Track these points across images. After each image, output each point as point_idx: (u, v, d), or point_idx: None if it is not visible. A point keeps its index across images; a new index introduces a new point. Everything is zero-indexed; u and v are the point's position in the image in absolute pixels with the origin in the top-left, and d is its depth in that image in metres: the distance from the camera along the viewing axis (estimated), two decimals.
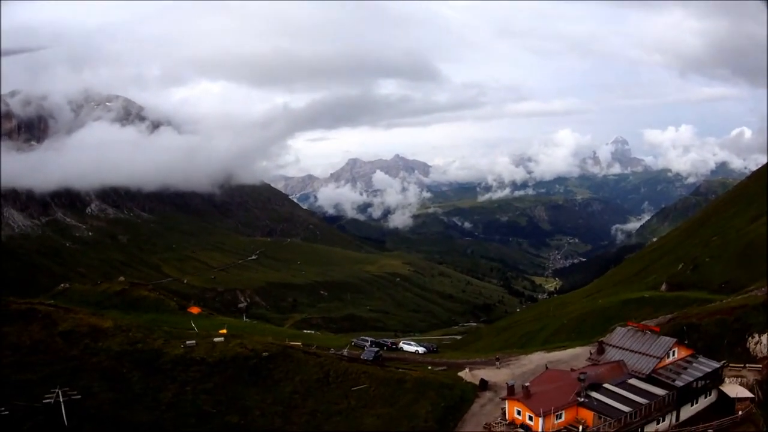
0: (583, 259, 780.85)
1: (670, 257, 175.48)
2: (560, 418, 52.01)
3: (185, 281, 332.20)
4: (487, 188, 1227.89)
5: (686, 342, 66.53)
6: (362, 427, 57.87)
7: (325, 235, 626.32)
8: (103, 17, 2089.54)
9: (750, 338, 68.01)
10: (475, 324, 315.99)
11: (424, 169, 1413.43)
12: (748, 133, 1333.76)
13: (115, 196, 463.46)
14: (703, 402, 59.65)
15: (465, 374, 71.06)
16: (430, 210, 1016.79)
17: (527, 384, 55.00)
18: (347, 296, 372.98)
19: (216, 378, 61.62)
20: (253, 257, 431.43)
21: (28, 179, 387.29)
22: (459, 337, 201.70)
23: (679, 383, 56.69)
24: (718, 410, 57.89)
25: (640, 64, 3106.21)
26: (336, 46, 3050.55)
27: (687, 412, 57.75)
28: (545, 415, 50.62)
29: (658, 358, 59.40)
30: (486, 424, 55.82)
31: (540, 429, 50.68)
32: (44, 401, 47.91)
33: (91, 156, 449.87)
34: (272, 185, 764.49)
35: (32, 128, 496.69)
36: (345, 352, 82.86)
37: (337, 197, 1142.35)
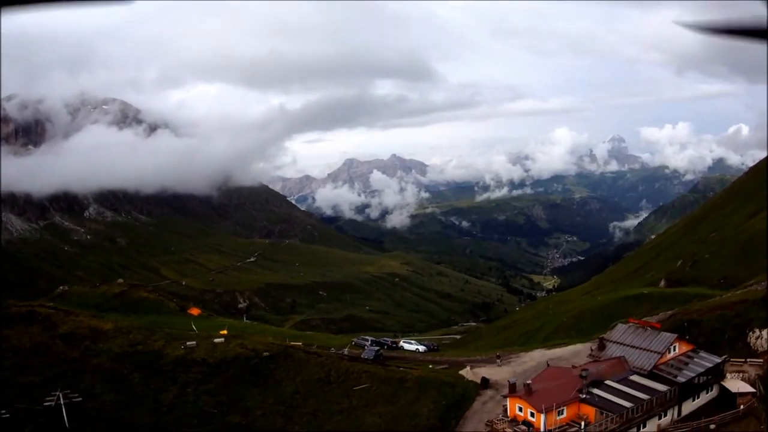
0: (582, 258, 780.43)
1: (669, 254, 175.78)
2: (562, 414, 52.00)
3: (184, 283, 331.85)
4: (485, 188, 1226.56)
5: (687, 337, 66.60)
6: (364, 426, 57.89)
7: (323, 236, 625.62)
8: (99, 20, 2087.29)
9: (751, 333, 67.97)
10: (474, 324, 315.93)
11: (422, 168, 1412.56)
12: (745, 130, 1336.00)
13: (113, 199, 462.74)
14: (704, 397, 59.71)
15: (466, 372, 71.03)
16: (428, 210, 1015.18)
17: (529, 381, 55.03)
18: (346, 297, 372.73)
19: (217, 378, 61.56)
20: (252, 259, 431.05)
21: (26, 183, 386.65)
22: (458, 337, 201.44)
23: (680, 379, 56.80)
24: (719, 405, 57.89)
25: (637, 62, 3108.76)
26: (332, 46, 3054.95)
27: (689, 407, 57.80)
28: (547, 412, 50.60)
29: (659, 353, 59.48)
30: (488, 421, 55.78)
31: (542, 426, 50.68)
32: (45, 404, 47.93)
33: (89, 159, 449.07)
34: (270, 187, 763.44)
35: (29, 132, 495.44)
36: (345, 351, 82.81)
37: (335, 198, 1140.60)
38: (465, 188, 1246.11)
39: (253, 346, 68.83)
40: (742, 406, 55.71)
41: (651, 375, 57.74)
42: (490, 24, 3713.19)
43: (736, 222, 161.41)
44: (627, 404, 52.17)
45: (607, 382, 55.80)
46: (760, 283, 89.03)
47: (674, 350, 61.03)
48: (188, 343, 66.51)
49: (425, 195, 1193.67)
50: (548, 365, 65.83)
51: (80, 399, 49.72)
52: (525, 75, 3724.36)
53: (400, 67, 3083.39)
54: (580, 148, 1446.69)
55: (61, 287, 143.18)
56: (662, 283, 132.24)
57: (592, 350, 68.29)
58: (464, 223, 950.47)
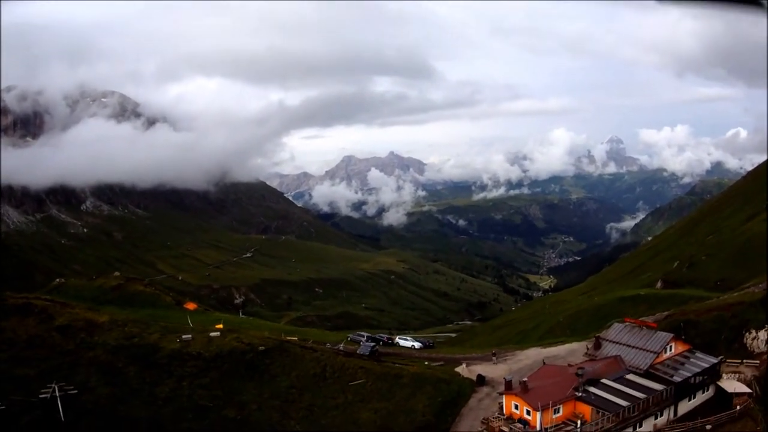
0: (578, 258, 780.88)
1: (665, 255, 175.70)
2: (558, 412, 52.07)
3: (180, 278, 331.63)
4: (482, 187, 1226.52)
5: (683, 338, 66.71)
6: (359, 421, 57.91)
7: (319, 233, 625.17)
8: (98, 13, 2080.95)
9: (747, 334, 68.08)
10: (469, 322, 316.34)
11: (420, 167, 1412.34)
12: (743, 134, 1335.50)
13: (111, 192, 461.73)
14: (700, 397, 59.86)
15: (462, 369, 71.02)
16: (425, 208, 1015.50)
17: (525, 379, 55.03)
18: (342, 294, 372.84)
19: (213, 372, 61.45)
20: (248, 255, 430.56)
21: (23, 175, 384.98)
22: (454, 335, 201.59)
23: (676, 378, 56.89)
24: (715, 405, 57.97)
25: (636, 63, 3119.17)
26: (331, 43, 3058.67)
27: (685, 407, 57.92)
28: (543, 410, 50.63)
29: (655, 353, 59.58)
30: (484, 418, 55.79)
31: (538, 423, 50.70)
32: (41, 396, 47.72)
33: (87, 152, 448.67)
34: (267, 183, 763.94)
35: (28, 124, 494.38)
36: (341, 347, 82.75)
37: (332, 195, 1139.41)
38: (462, 187, 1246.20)
39: (249, 340, 68.72)
40: (738, 407, 55.74)
41: (647, 374, 57.83)
42: (490, 23, 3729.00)
43: (734, 225, 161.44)
44: (623, 403, 52.24)
45: (603, 380, 55.87)
46: (757, 286, 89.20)
47: (670, 350, 61.14)
48: (184, 336, 66.32)
49: (422, 193, 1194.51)
50: (544, 363, 65.87)
51: (76, 391, 49.54)
52: (524, 74, 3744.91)
53: (399, 64, 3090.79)
54: (578, 149, 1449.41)
55: (57, 280, 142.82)
56: (659, 284, 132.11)
57: (588, 349, 68.38)
58: (461, 222, 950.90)
